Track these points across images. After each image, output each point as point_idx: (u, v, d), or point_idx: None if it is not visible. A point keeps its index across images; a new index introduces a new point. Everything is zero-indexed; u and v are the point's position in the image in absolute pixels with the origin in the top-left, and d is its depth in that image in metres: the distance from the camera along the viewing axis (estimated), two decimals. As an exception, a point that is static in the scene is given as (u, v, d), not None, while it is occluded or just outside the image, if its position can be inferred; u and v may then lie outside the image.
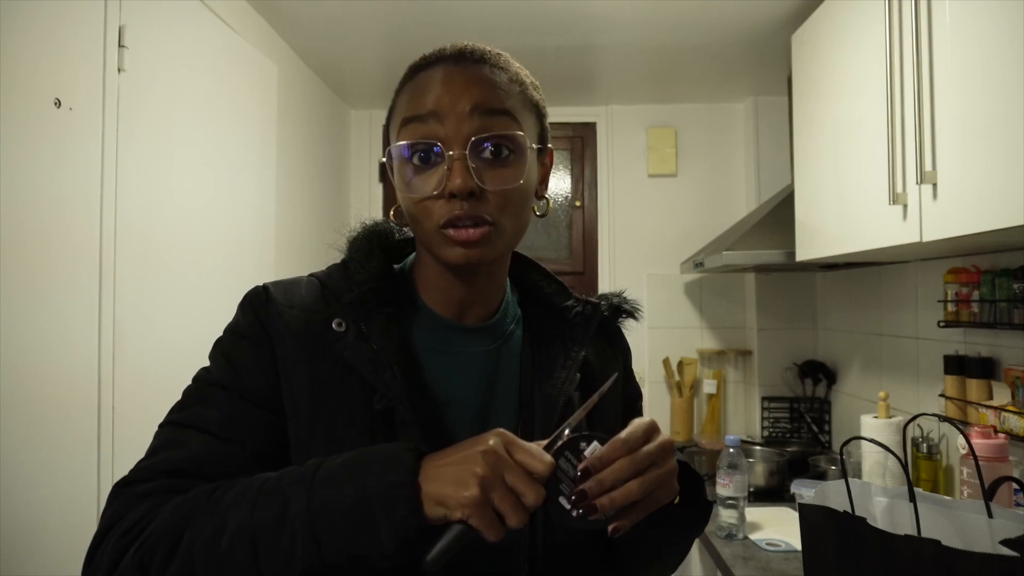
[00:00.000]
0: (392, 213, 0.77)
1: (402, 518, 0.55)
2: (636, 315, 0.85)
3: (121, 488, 0.66)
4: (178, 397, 0.72)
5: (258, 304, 0.72)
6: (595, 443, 0.60)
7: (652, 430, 0.62)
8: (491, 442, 0.57)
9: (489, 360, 0.76)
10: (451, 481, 0.55)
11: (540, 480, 0.56)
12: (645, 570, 0.76)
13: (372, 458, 0.59)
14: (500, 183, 0.68)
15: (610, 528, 0.59)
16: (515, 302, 0.83)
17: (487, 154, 0.68)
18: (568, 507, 0.58)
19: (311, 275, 0.77)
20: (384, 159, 0.75)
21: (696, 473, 0.75)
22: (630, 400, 0.87)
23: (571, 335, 0.78)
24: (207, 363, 0.74)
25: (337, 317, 0.70)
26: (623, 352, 0.87)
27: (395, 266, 0.80)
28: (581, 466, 0.59)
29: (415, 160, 0.68)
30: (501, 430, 0.59)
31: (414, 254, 0.81)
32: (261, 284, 0.74)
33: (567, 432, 0.61)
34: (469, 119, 0.67)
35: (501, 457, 0.56)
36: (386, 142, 0.75)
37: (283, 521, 0.57)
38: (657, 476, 0.60)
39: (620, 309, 0.84)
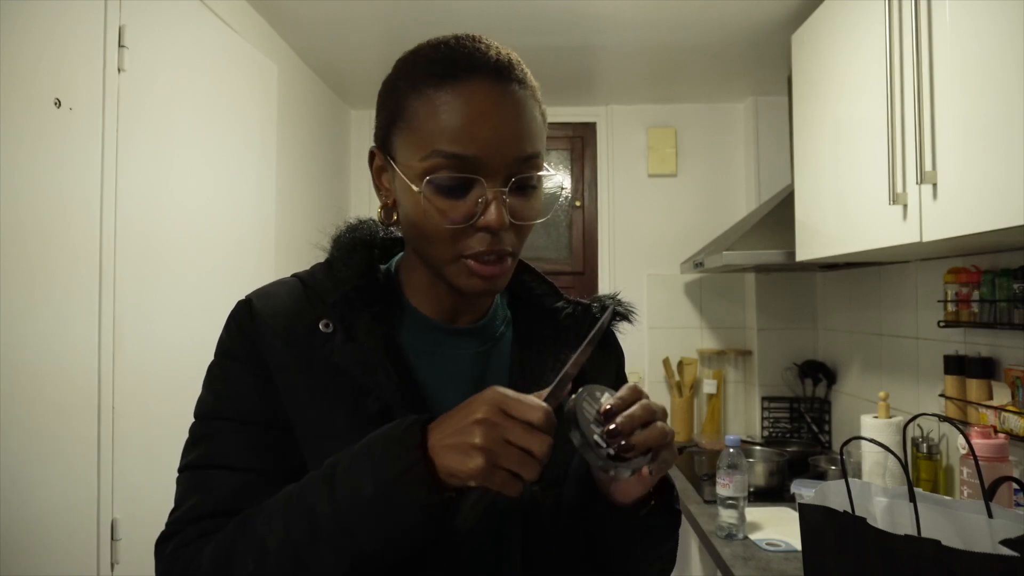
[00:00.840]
0: (380, 215, 0.74)
1: (424, 495, 0.56)
2: (630, 317, 0.82)
3: (161, 545, 0.67)
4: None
5: (242, 321, 0.71)
6: (608, 393, 0.62)
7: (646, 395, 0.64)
8: (484, 410, 0.56)
9: (478, 363, 0.75)
10: (455, 454, 0.56)
11: (543, 429, 0.56)
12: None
13: (380, 444, 0.59)
14: (528, 217, 0.68)
15: (644, 469, 0.60)
16: (504, 304, 0.82)
17: (518, 188, 0.67)
18: (604, 448, 0.59)
19: (294, 275, 0.76)
20: (377, 152, 0.72)
21: (669, 480, 0.74)
22: None
23: (561, 337, 0.77)
24: (207, 364, 0.73)
25: (323, 319, 0.69)
26: (616, 356, 0.85)
27: (381, 266, 0.78)
28: (604, 407, 0.60)
29: (446, 188, 0.65)
30: (494, 388, 0.58)
31: (400, 255, 0.79)
32: (244, 297, 0.73)
33: (560, 378, 0.61)
34: (511, 160, 0.65)
35: (496, 423, 0.56)
36: (384, 136, 0.70)
37: (316, 527, 0.58)
38: (665, 428, 0.61)
39: (613, 311, 0.80)
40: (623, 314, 0.82)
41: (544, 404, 0.57)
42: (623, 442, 0.59)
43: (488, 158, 0.64)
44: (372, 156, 0.73)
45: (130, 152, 1.44)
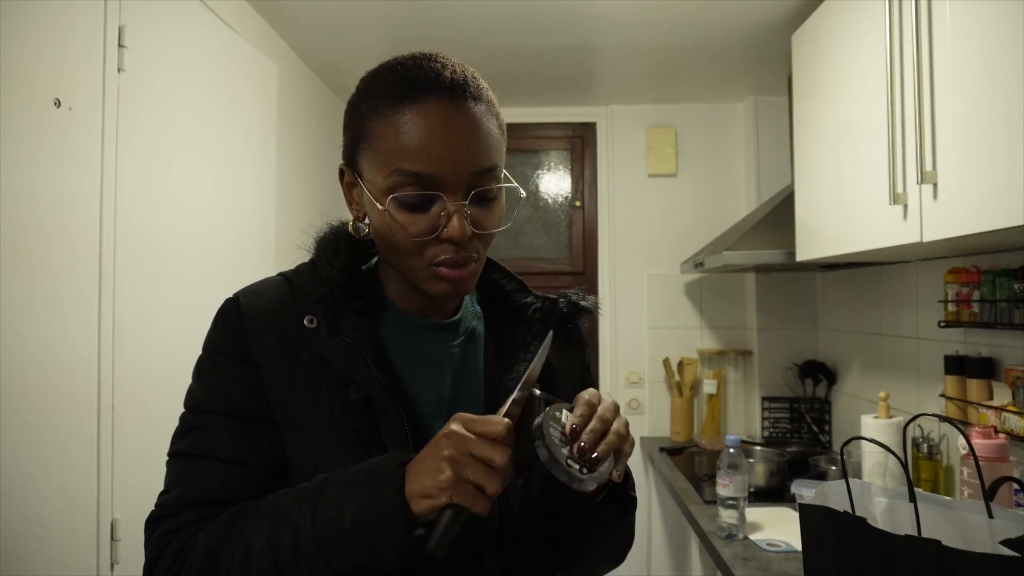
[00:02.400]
0: (352, 228, 0.79)
1: (399, 537, 0.60)
2: (595, 312, 0.87)
3: (152, 524, 0.71)
4: (178, 397, 0.75)
5: (230, 318, 0.74)
6: (566, 411, 0.67)
7: (599, 396, 0.69)
8: (451, 426, 0.61)
9: (455, 355, 0.80)
10: (427, 473, 0.60)
11: (504, 443, 0.61)
12: (584, 555, 0.79)
13: (364, 479, 0.63)
14: (490, 226, 0.72)
15: (614, 474, 0.65)
16: (474, 300, 0.86)
17: (478, 199, 0.71)
18: (577, 466, 0.63)
19: (280, 274, 0.79)
20: (345, 169, 0.76)
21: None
22: None
23: (530, 330, 0.82)
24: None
25: (308, 314, 0.73)
26: (580, 347, 0.90)
27: (363, 266, 0.82)
28: (568, 427, 0.65)
29: (409, 204, 0.69)
30: (458, 414, 0.63)
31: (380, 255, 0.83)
32: (232, 295, 0.77)
33: (516, 394, 0.66)
34: (469, 175, 0.69)
35: (461, 435, 0.60)
36: (351, 155, 0.74)
37: (296, 544, 0.63)
38: (621, 429, 0.67)
39: (578, 306, 0.86)
40: (588, 308, 0.87)
41: (504, 420, 0.62)
42: (594, 455, 0.63)
43: (447, 174, 0.68)
44: (341, 173, 0.78)
45: (130, 152, 1.44)
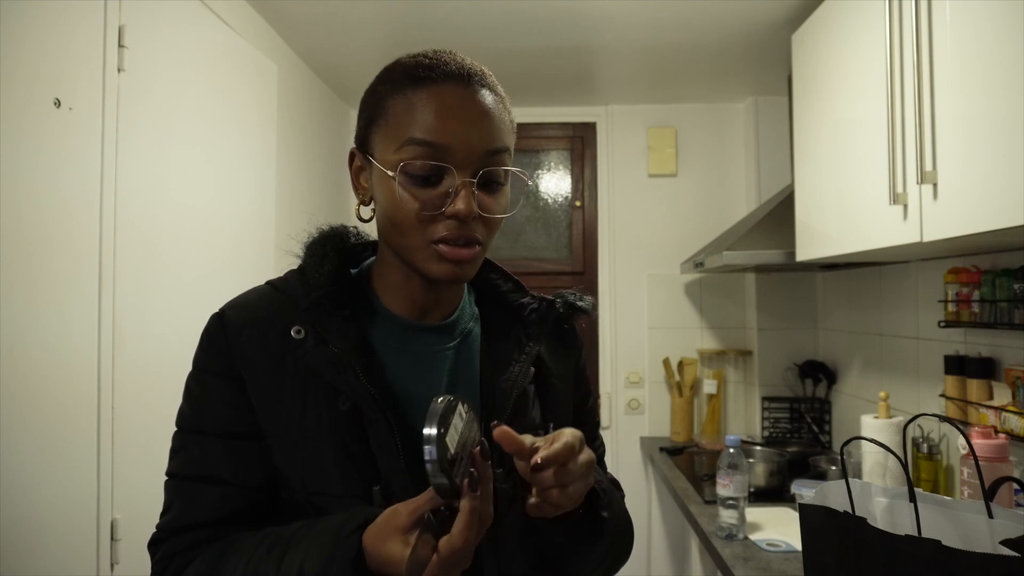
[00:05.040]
0: (357, 211, 0.78)
1: None
2: (591, 312, 0.87)
3: (152, 548, 0.73)
4: (178, 397, 0.75)
5: (215, 335, 0.74)
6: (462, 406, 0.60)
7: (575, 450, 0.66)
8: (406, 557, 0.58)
9: (449, 357, 0.79)
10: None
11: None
12: (568, 563, 0.78)
13: (322, 542, 0.63)
14: (495, 211, 0.72)
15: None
16: (471, 301, 0.85)
17: (486, 182, 0.71)
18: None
19: (268, 283, 0.79)
20: (356, 152, 0.76)
21: (595, 489, 0.73)
22: (579, 402, 0.89)
23: (526, 331, 0.82)
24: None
25: (296, 324, 0.72)
26: (576, 350, 0.90)
27: (352, 270, 0.81)
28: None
29: (419, 177, 0.69)
30: (391, 527, 0.59)
31: (372, 258, 0.83)
32: (218, 310, 0.76)
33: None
34: (480, 153, 0.70)
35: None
36: (363, 136, 0.75)
37: None
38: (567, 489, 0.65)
39: (575, 307, 0.85)
40: (584, 309, 0.86)
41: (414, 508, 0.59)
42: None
43: (458, 149, 0.68)
44: (351, 158, 0.78)
45: (130, 152, 1.44)
